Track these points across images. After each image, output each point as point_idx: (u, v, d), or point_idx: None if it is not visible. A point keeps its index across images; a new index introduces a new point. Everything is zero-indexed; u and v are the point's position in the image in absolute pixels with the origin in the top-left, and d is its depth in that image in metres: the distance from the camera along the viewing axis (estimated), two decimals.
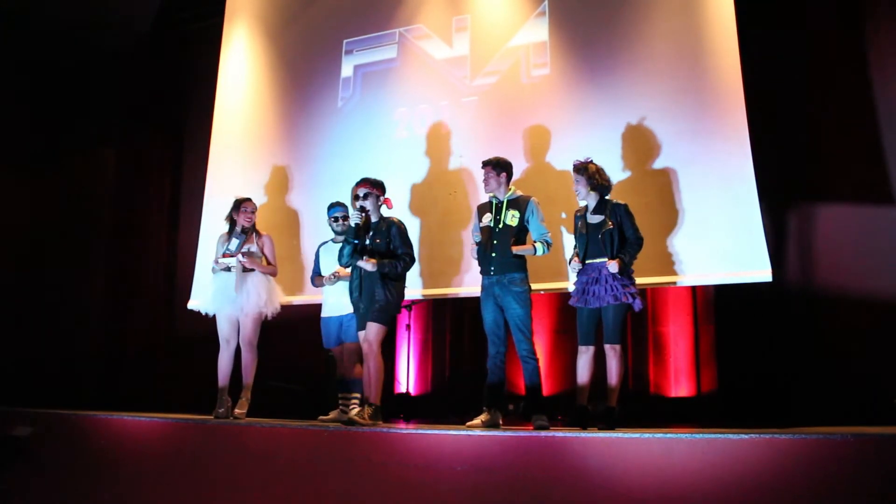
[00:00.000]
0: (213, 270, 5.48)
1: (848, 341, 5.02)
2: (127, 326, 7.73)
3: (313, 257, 5.70)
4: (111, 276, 7.91)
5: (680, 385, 5.74)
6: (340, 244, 5.04)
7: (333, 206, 5.56)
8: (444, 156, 6.16)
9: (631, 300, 4.33)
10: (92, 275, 7.94)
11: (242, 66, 7.48)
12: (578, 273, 4.52)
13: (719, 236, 5.09)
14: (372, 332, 4.70)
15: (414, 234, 4.92)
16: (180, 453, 4.62)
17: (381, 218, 4.96)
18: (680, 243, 5.21)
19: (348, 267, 4.96)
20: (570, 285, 4.82)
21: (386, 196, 5.01)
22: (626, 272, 4.38)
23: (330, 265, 5.41)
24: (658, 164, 5.39)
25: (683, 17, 5.56)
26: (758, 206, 4.99)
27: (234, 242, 5.37)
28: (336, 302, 5.38)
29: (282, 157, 6.96)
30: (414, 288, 5.76)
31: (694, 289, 5.67)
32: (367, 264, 4.74)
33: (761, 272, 4.92)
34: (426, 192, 6.14)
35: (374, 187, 4.96)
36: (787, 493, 3.03)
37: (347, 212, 5.45)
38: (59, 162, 8.26)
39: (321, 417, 5.33)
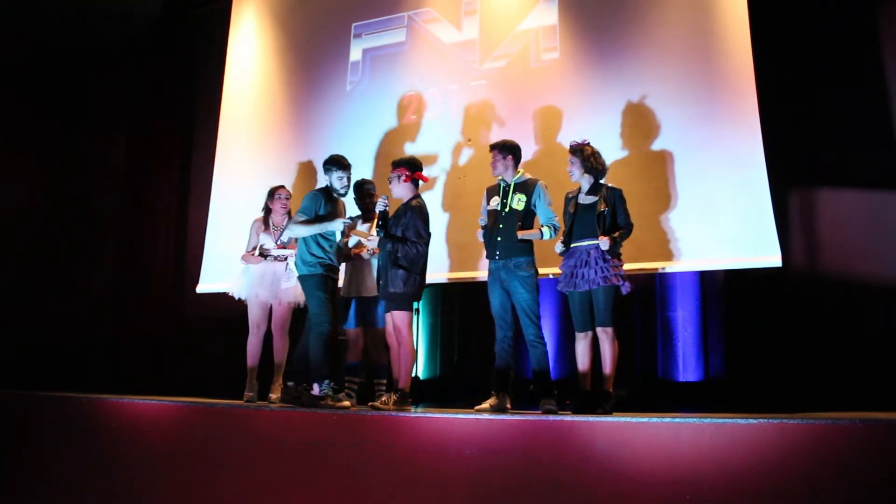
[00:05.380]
0: (247, 260, 5.42)
1: (857, 326, 5.00)
2: (135, 309, 7.77)
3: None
4: (120, 259, 7.94)
5: (688, 370, 5.73)
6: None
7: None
8: (453, 140, 6.15)
9: (620, 282, 4.32)
10: (101, 258, 7.98)
11: (251, 49, 7.48)
12: (564, 257, 4.51)
13: (729, 221, 5.08)
14: (398, 320, 4.64)
15: None
16: (190, 437, 4.65)
17: (405, 201, 4.80)
18: (689, 228, 5.20)
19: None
20: None
21: (415, 172, 4.83)
22: (614, 254, 4.38)
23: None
24: (667, 148, 5.36)
25: (694, 1, 5.52)
26: (768, 191, 4.98)
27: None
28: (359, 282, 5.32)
29: (290, 140, 6.96)
30: None
31: (703, 273, 5.65)
32: (370, 242, 4.77)
33: (771, 257, 4.91)
34: (435, 176, 6.13)
35: (394, 168, 4.85)
36: (795, 478, 3.04)
37: (374, 188, 5.46)
38: (69, 146, 8.27)
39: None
